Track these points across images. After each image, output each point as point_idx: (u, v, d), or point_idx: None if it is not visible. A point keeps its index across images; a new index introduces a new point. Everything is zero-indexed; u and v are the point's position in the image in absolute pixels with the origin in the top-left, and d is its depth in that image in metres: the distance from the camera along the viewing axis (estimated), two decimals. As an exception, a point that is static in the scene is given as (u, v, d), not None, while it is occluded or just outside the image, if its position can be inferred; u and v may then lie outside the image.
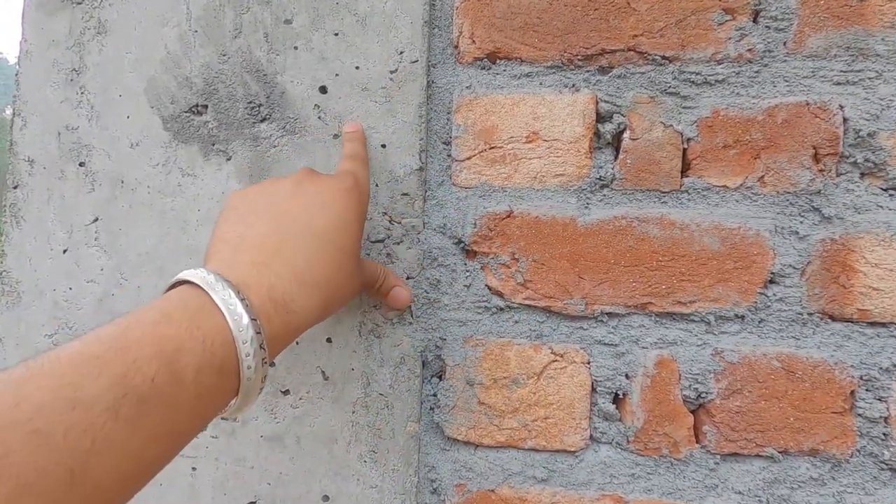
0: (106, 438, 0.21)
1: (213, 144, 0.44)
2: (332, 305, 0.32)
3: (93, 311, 0.44)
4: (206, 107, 0.44)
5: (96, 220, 0.44)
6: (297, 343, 0.43)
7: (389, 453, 0.41)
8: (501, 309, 0.42)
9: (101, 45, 0.45)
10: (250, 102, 0.44)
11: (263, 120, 0.44)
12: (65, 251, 0.45)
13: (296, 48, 0.44)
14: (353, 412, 0.42)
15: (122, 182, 0.44)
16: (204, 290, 0.26)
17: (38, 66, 0.45)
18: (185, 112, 0.44)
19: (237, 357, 0.26)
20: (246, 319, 0.26)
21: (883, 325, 0.40)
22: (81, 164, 0.45)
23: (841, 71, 0.41)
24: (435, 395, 0.43)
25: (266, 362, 0.27)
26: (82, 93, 0.45)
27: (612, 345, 0.41)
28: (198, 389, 0.24)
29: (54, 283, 0.45)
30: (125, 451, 0.22)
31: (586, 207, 0.42)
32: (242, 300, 0.27)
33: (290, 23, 0.44)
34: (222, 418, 0.28)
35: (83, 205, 0.45)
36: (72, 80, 0.45)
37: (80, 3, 0.45)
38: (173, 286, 0.28)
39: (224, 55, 0.44)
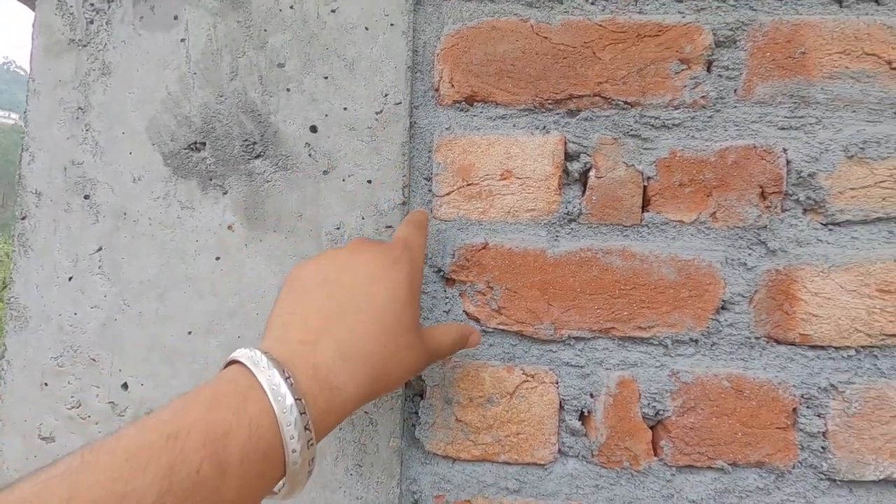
0: None
1: (211, 179, 0.48)
2: (384, 380, 0.31)
3: (96, 335, 0.47)
4: (204, 144, 0.48)
5: (100, 249, 0.48)
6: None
7: (374, 467, 0.45)
8: (478, 333, 0.46)
9: (105, 86, 0.48)
10: (245, 140, 0.47)
11: (258, 157, 0.47)
12: (70, 279, 0.48)
13: (288, 90, 0.47)
14: (340, 429, 0.46)
15: (125, 214, 0.48)
16: (249, 369, 0.27)
17: (45, 104, 0.49)
18: (185, 149, 0.48)
19: (281, 441, 0.26)
20: (290, 400, 0.26)
21: (822, 347, 0.44)
22: (86, 197, 0.48)
23: (785, 117, 0.45)
24: (416, 412, 0.46)
25: (312, 444, 0.27)
26: (87, 130, 0.48)
27: (578, 366, 0.45)
28: (242, 478, 0.24)
29: (60, 309, 0.48)
30: None
31: (555, 240, 0.46)
32: (287, 379, 0.27)
33: (283, 66, 0.47)
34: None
35: (88, 235, 0.48)
36: (77, 117, 0.48)
37: (85, 46, 0.49)
38: (229, 364, 0.29)
39: (221, 96, 0.48)
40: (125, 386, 0.47)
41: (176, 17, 0.48)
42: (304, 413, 0.27)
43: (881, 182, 0.44)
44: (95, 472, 0.22)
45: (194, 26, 0.48)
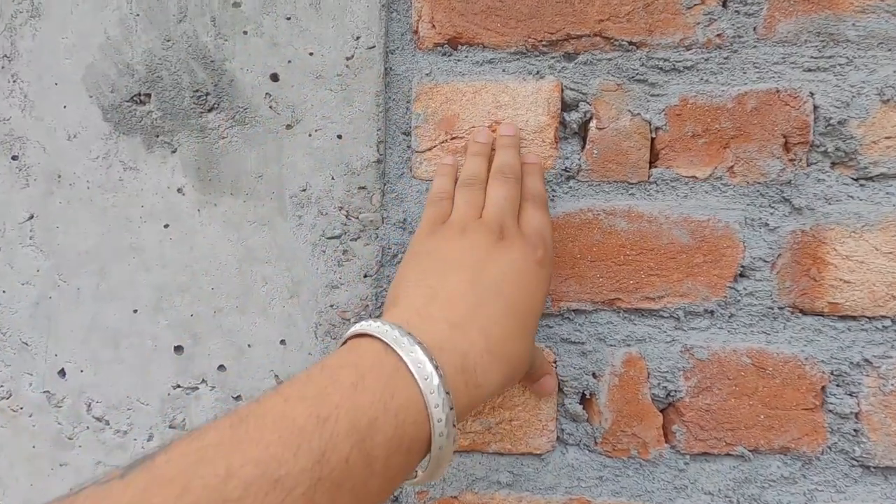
0: None
1: (157, 136, 0.43)
2: (511, 383, 0.31)
3: (28, 316, 0.43)
4: (149, 96, 0.43)
5: (31, 217, 0.43)
6: (248, 346, 0.42)
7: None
8: (464, 307, 0.42)
9: (34, 30, 0.43)
10: (197, 91, 0.43)
11: (211, 109, 0.43)
12: (-3, 251, 0.43)
13: (245, 33, 0.42)
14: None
15: (59, 177, 0.43)
16: (395, 350, 0.25)
17: (-35, 52, 0.44)
18: (127, 101, 0.43)
19: (429, 435, 0.25)
20: (442, 395, 0.25)
21: (854, 318, 0.40)
22: (14, 158, 0.43)
23: (811, 57, 0.41)
24: (396, 398, 0.42)
25: (456, 440, 0.26)
26: (14, 81, 0.43)
27: (578, 343, 0.41)
28: (386, 472, 0.23)
29: (-13, 286, 0.43)
30: None
31: (552, 200, 0.42)
32: (436, 368, 0.25)
33: (239, 6, 0.43)
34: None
35: (17, 201, 0.43)
36: (3, 67, 0.43)
37: (10, -15, 0.44)
38: (356, 336, 0.27)
39: (168, 41, 0.43)
40: (62, 373, 0.42)
41: (115, -49, 0.43)
42: (453, 408, 0.25)
43: (920, 130, 0.40)
44: (249, 447, 0.21)
45: (136, -40, 0.43)
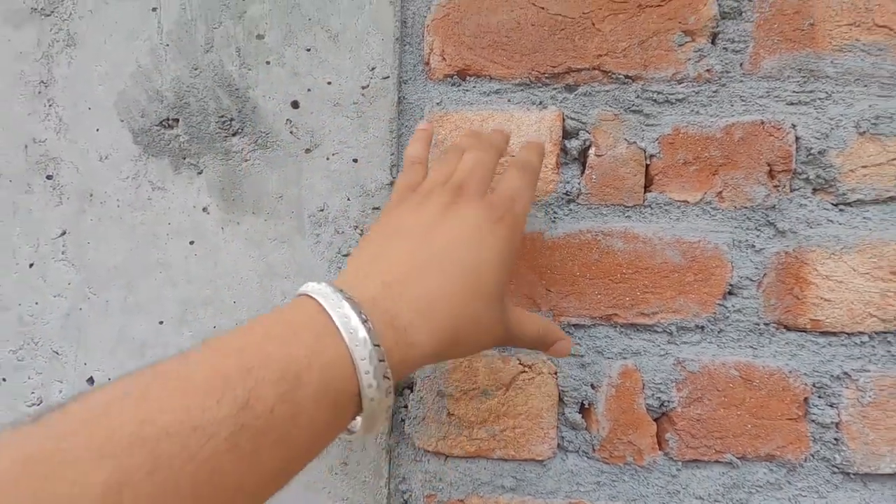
0: (222, 472, 0.20)
1: (184, 158, 0.46)
2: (458, 347, 0.30)
3: (59, 327, 0.45)
4: (177, 120, 0.46)
5: (64, 233, 0.46)
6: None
7: (360, 465, 0.43)
8: (471, 321, 0.45)
9: (70, 58, 0.46)
10: (222, 116, 0.46)
11: (235, 134, 0.46)
12: (31, 265, 0.46)
13: (268, 63, 0.46)
14: (325, 425, 0.44)
15: (91, 195, 0.46)
16: (325, 307, 0.26)
17: (4, 77, 0.47)
18: (156, 125, 0.46)
19: (357, 388, 0.25)
20: (369, 347, 0.25)
21: (834, 334, 0.43)
22: (49, 178, 0.46)
23: (794, 91, 0.44)
24: (405, 406, 0.45)
25: (391, 392, 0.26)
26: (50, 105, 0.46)
27: (577, 356, 0.44)
28: (312, 425, 0.23)
29: (19, 298, 0.46)
30: (237, 486, 0.21)
31: (553, 221, 0.45)
32: (365, 322, 0.25)
33: (263, 38, 0.46)
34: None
35: (50, 219, 0.46)
36: (39, 92, 0.46)
37: (48, 15, 0.47)
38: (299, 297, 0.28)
39: (196, 69, 0.46)
40: (91, 380, 0.45)
41: (147, -15, 0.46)
42: (384, 360, 0.25)
43: (894, 159, 0.43)
44: (170, 396, 0.21)
45: (167, -5, 0.46)
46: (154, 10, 0.46)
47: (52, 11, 0.47)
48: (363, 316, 0.26)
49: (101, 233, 0.46)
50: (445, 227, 0.31)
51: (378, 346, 0.25)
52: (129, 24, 0.46)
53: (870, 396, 0.42)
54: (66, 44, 0.47)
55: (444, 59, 0.46)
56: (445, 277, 0.30)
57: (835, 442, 0.42)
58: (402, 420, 0.45)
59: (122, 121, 0.46)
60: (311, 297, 0.27)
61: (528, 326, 0.35)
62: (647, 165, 0.45)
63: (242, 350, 0.23)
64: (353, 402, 0.25)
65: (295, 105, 0.46)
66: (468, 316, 0.30)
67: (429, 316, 0.28)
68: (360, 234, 0.45)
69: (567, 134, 0.45)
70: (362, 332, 0.25)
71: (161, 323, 0.45)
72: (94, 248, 0.46)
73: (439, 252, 0.30)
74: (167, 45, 0.46)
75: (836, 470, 0.42)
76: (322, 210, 0.45)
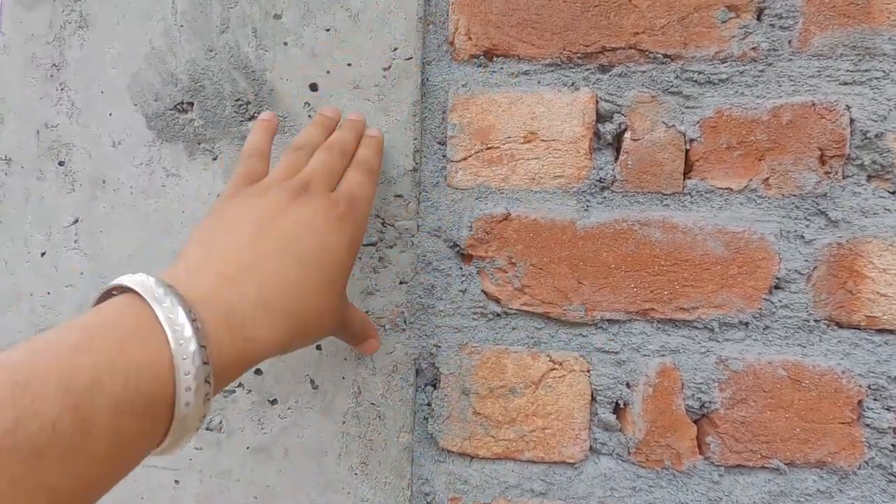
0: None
1: (199, 143, 0.44)
2: (299, 339, 0.30)
3: (71, 316, 0.44)
4: (191, 104, 0.44)
5: (76, 221, 0.44)
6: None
7: (381, 465, 0.41)
8: (498, 315, 0.42)
9: (82, 40, 0.45)
10: (238, 100, 0.44)
11: (251, 118, 0.44)
12: (43, 254, 0.44)
13: (286, 44, 0.44)
14: (344, 422, 0.42)
15: (104, 182, 0.44)
16: (147, 302, 0.23)
17: (15, 60, 0.45)
18: (170, 110, 0.44)
19: (173, 392, 0.22)
20: (193, 346, 0.23)
21: (891, 332, 0.40)
22: (61, 164, 0.45)
23: (847, 70, 0.41)
24: (429, 404, 0.43)
25: (209, 399, 0.24)
26: (62, 89, 0.45)
27: (612, 352, 0.41)
28: (114, 435, 0.21)
29: (31, 288, 0.44)
30: None
31: (586, 210, 0.42)
32: (193, 321, 0.23)
33: (280, 18, 0.44)
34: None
35: (63, 206, 0.44)
36: (51, 75, 0.45)
37: (60, -3, 0.45)
38: (110, 293, 0.25)
39: (211, 51, 0.44)
40: (103, 374, 0.43)
41: (161, -36, 0.45)
42: (207, 363, 0.23)
43: (958, 144, 0.40)
44: None
45: (181, -27, 0.44)
46: (168, -11, 0.44)
47: (65, -8, 0.45)
48: (192, 314, 0.23)
49: (114, 221, 0.44)
50: (287, 218, 0.31)
51: (204, 346, 0.23)
52: (142, 4, 0.45)
53: (931, 399, 0.39)
54: (79, 25, 0.45)
55: (469, 38, 0.43)
56: (288, 267, 0.29)
57: (892, 448, 0.39)
58: (425, 419, 0.43)
59: (136, 105, 0.45)
60: (129, 289, 0.24)
61: (355, 319, 0.35)
62: (687, 150, 0.42)
63: (20, 365, 0.20)
64: (168, 408, 0.23)
65: (314, 88, 0.44)
66: (311, 307, 0.29)
67: (271, 307, 0.27)
68: (382, 224, 0.43)
69: (601, 117, 0.43)
70: (188, 331, 0.23)
71: (175, 314, 0.43)
72: (106, 237, 0.44)
73: (281, 242, 0.29)
74: (181, 25, 0.44)
75: (892, 478, 0.39)
76: (342, 197, 0.43)
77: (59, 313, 0.44)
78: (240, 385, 0.43)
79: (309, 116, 0.43)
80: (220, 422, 0.43)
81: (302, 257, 0.29)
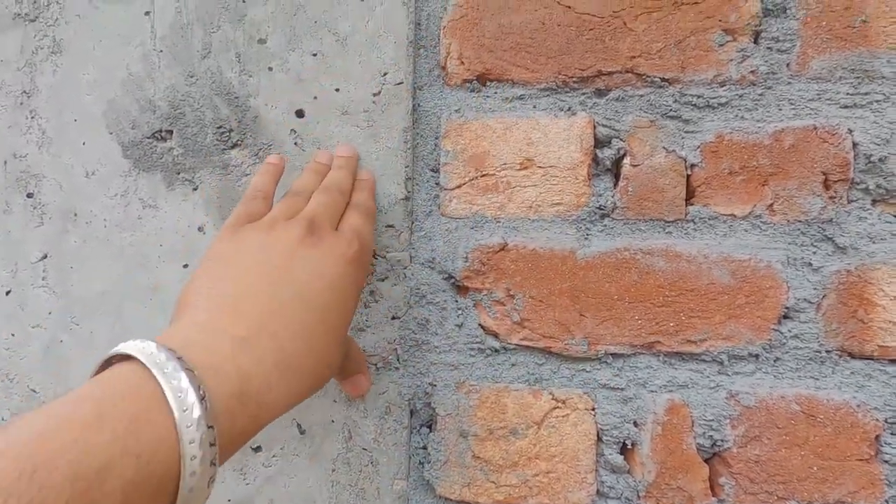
0: None
1: (179, 173, 0.42)
2: (307, 394, 0.28)
3: (38, 361, 0.41)
4: (170, 132, 0.42)
5: (45, 257, 0.42)
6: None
7: (374, 516, 0.39)
8: (497, 350, 0.40)
9: (55, 66, 0.43)
10: (220, 127, 0.42)
11: (234, 146, 0.42)
12: (7, 293, 0.42)
13: (270, 69, 0.42)
14: (334, 470, 0.39)
15: (76, 215, 0.42)
16: (155, 377, 0.22)
17: (-17, 88, 0.43)
18: (148, 138, 0.42)
19: (178, 473, 0.21)
20: (202, 430, 0.21)
21: (905, 362, 0.38)
22: (29, 196, 0.42)
23: (847, 94, 0.40)
24: (424, 447, 0.40)
25: (213, 481, 0.23)
26: (33, 117, 0.43)
27: (618, 389, 0.39)
28: None
29: (-5, 329, 0.41)
30: None
31: (586, 238, 0.40)
32: (202, 399, 0.22)
33: (265, 42, 0.42)
34: None
35: (30, 240, 0.42)
36: (21, 103, 0.43)
37: (33, 21, 0.43)
38: (112, 360, 0.24)
39: (192, 76, 0.42)
40: (71, 421, 0.40)
41: (140, -12, 0.43)
42: (214, 444, 0.22)
43: (962, 167, 0.39)
44: None
45: (161, -3, 0.43)
46: (147, 13, 0.43)
47: (37, 17, 0.43)
48: (202, 391, 0.22)
49: (87, 255, 0.42)
50: (302, 263, 0.29)
51: (211, 427, 0.22)
52: (119, 29, 0.43)
53: (951, 433, 0.37)
54: (52, 51, 0.43)
55: (462, 62, 0.42)
56: (307, 322, 0.27)
57: (913, 486, 0.37)
58: (421, 463, 0.40)
59: (111, 133, 0.42)
60: (137, 360, 0.22)
61: (353, 355, 0.35)
62: (689, 176, 0.41)
63: (27, 448, 0.19)
64: (171, 487, 0.22)
65: (300, 114, 0.42)
66: (324, 360, 0.28)
67: (289, 369, 0.26)
68: (373, 255, 0.41)
69: (598, 142, 0.41)
70: (197, 412, 0.21)
71: (151, 356, 0.40)
72: (77, 273, 0.41)
73: (297, 293, 0.28)
74: (161, 50, 0.43)
75: (915, 518, 0.37)
76: (330, 228, 0.41)
77: (24, 356, 0.41)
78: (220, 431, 0.40)
79: (295, 144, 0.42)
80: (199, 472, 0.40)
81: (318, 308, 0.28)
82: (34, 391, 0.41)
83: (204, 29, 0.43)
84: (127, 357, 0.23)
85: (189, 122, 0.42)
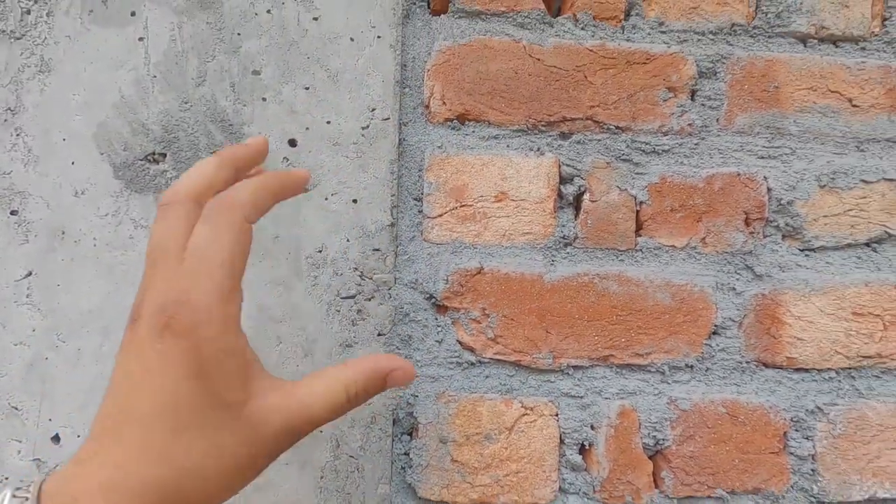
0: None
1: (171, 195, 0.43)
2: (192, 495, 0.25)
3: (20, 378, 0.41)
4: (164, 155, 0.44)
5: (29, 274, 0.42)
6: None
7: (360, 519, 0.42)
8: (472, 364, 0.45)
9: (42, 85, 0.43)
10: (214, 153, 0.44)
11: (228, 171, 0.44)
12: (-12, 310, 0.41)
13: (264, 100, 0.45)
14: (322, 477, 0.42)
15: (63, 233, 0.42)
16: None
17: (-36, 103, 0.43)
18: (140, 160, 0.44)
19: None
20: None
21: (806, 370, 0.47)
22: (13, 213, 0.42)
23: (763, 146, 0.49)
24: (406, 454, 0.44)
25: None
26: (18, 135, 0.43)
27: (578, 396, 0.45)
28: None
29: (-28, 347, 0.41)
30: None
31: (552, 264, 0.46)
32: None
33: (259, 74, 0.45)
34: None
35: (14, 257, 0.42)
36: (6, 119, 0.43)
37: (19, 39, 0.44)
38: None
39: (186, 103, 0.44)
40: (56, 438, 0.41)
41: (133, 14, 0.45)
42: None
43: (849, 210, 0.49)
44: None
45: (155, 25, 0.44)
46: (141, 39, 0.44)
47: (24, 35, 0.44)
48: None
49: (74, 274, 0.42)
50: (122, 369, 0.26)
51: None
52: (112, 52, 0.44)
53: (840, 429, 0.46)
54: (39, 69, 0.44)
55: (444, 103, 0.47)
56: (131, 433, 0.25)
57: (811, 473, 0.45)
58: (403, 468, 0.44)
59: (102, 154, 0.43)
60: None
61: (317, 407, 0.27)
62: (638, 211, 0.47)
63: None
64: None
65: (292, 143, 0.45)
66: (172, 466, 0.24)
67: (113, 488, 0.23)
68: (361, 277, 0.44)
69: (563, 179, 0.47)
70: None
71: (141, 372, 0.42)
72: (64, 291, 0.42)
73: (127, 401, 0.25)
74: (154, 76, 0.44)
75: (813, 500, 0.45)
76: (320, 251, 0.44)
77: (5, 374, 0.41)
78: (211, 444, 0.42)
79: (288, 171, 0.44)
80: (189, 484, 0.41)
81: (145, 411, 0.25)
82: (16, 408, 0.41)
83: (199, 58, 0.45)
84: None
85: (183, 147, 0.44)
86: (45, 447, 0.41)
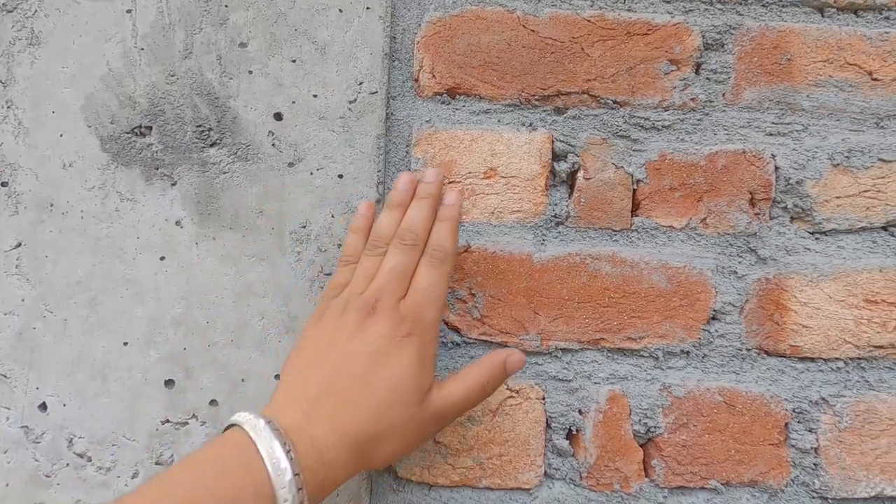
0: None
1: (157, 168, 0.44)
2: (375, 457, 0.34)
3: (9, 347, 0.42)
4: (150, 128, 0.44)
5: (19, 245, 0.43)
6: (242, 380, 0.43)
7: (339, 496, 0.42)
8: (458, 344, 0.44)
9: (33, 57, 0.44)
10: (199, 126, 0.44)
11: (213, 145, 0.44)
12: (-21, 279, 0.43)
13: (250, 73, 0.45)
14: (302, 453, 0.42)
15: (52, 205, 0.43)
16: (252, 438, 0.30)
17: (-43, 75, 0.44)
18: (127, 133, 0.44)
19: None
20: (289, 475, 0.29)
21: (812, 360, 0.45)
22: (4, 184, 0.43)
23: (772, 123, 0.46)
24: (388, 433, 0.43)
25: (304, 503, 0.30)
26: (9, 107, 0.44)
27: (565, 380, 0.44)
28: None
29: (-36, 315, 0.42)
30: None
31: (542, 244, 0.45)
32: (288, 452, 0.30)
33: (246, 46, 0.45)
34: None
35: (4, 228, 0.43)
36: (-3, 92, 0.44)
37: (10, 12, 0.44)
38: (230, 426, 0.33)
39: (172, 76, 0.44)
40: (43, 406, 0.42)
41: (122, -14, 0.45)
42: (302, 489, 0.30)
43: (865, 191, 0.46)
44: None
45: (143, -3, 0.44)
46: (129, 12, 0.45)
47: (15, 7, 0.44)
48: (288, 446, 0.30)
49: (62, 245, 0.43)
50: (356, 346, 0.35)
51: (298, 474, 0.30)
52: (100, 25, 0.44)
53: (846, 422, 0.44)
54: (30, 42, 0.44)
55: (433, 76, 0.46)
56: (353, 395, 0.34)
57: (814, 467, 0.44)
58: (384, 448, 0.43)
59: (90, 126, 0.44)
60: (241, 428, 0.32)
61: (455, 395, 0.37)
62: (635, 190, 0.46)
63: (179, 495, 0.29)
64: None
65: (278, 117, 0.45)
66: (377, 429, 0.34)
67: (340, 433, 0.33)
68: (344, 253, 0.44)
69: (556, 156, 0.46)
70: (284, 462, 0.30)
71: (126, 344, 0.42)
72: (52, 262, 0.43)
73: (352, 375, 0.35)
74: (142, 49, 0.44)
75: (815, 495, 0.43)
76: (304, 227, 0.44)
77: (-4, 342, 0.42)
78: (193, 416, 0.42)
79: (273, 145, 0.44)
80: (172, 455, 0.42)
81: (366, 382, 0.34)
82: (4, 376, 0.42)
83: (186, 30, 0.45)
84: (236, 427, 0.32)
85: (169, 120, 0.44)
86: (32, 415, 0.42)
